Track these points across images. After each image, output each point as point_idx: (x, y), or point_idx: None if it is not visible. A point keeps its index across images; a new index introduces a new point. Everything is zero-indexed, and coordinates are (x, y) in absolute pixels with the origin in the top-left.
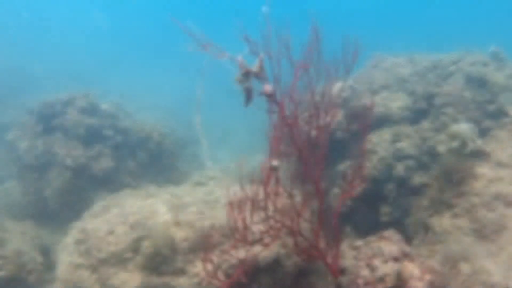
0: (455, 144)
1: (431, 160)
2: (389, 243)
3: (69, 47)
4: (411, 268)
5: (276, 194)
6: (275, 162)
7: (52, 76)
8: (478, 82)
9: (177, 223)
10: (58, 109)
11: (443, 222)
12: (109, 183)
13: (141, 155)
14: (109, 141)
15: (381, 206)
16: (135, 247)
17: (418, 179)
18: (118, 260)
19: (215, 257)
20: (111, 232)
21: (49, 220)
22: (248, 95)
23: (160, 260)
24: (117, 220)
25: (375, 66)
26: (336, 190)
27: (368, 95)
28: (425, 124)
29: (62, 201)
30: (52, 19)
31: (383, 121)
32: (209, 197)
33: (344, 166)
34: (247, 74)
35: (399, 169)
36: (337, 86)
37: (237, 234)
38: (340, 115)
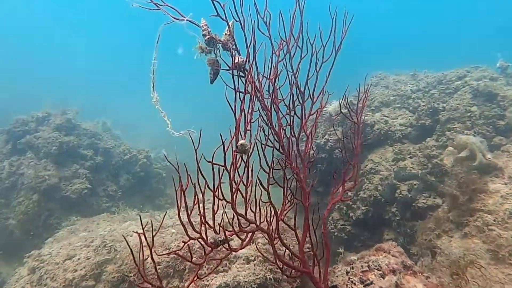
0: (462, 155)
1: (438, 180)
2: (387, 256)
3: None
4: (414, 283)
5: (248, 184)
6: (242, 141)
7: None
8: (486, 97)
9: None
10: (32, 127)
11: (452, 243)
12: (84, 207)
13: (125, 178)
14: (88, 162)
15: (384, 231)
16: (97, 273)
17: (424, 201)
18: None
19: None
20: (70, 257)
21: (15, 250)
22: (214, 69)
23: None
24: (80, 243)
25: (376, 84)
26: (334, 214)
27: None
28: (430, 142)
29: (27, 228)
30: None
31: (385, 139)
32: (195, 219)
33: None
34: (212, 42)
35: (403, 190)
36: (335, 104)
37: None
38: (338, 133)
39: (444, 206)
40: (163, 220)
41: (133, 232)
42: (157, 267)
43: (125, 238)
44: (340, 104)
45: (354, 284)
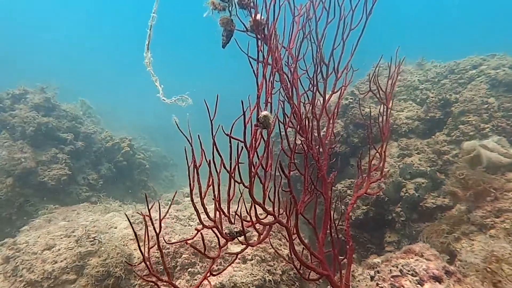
0: (472, 154)
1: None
2: (420, 259)
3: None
4: None
5: (268, 168)
6: (264, 112)
7: None
8: (507, 86)
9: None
10: (7, 104)
11: (475, 247)
12: (63, 195)
13: (106, 167)
14: (67, 146)
15: (386, 232)
16: (79, 265)
17: (432, 200)
18: (55, 283)
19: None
20: (50, 247)
21: None
22: (227, 30)
23: (111, 284)
24: (60, 233)
25: (379, 74)
26: (334, 215)
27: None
28: (441, 136)
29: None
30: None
31: (389, 133)
32: (181, 213)
33: (344, 185)
34: None
35: (410, 189)
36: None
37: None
38: (339, 126)
39: (461, 207)
40: (160, 212)
41: (138, 213)
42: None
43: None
44: (370, 79)
45: None
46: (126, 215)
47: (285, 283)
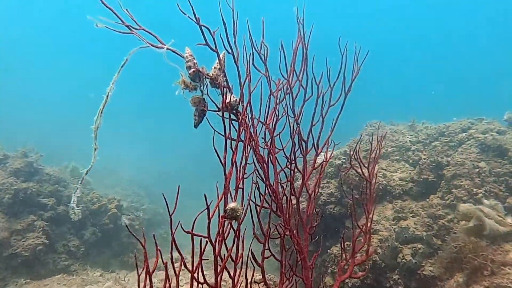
0: (471, 224)
1: (446, 245)
2: None
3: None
4: None
5: (238, 259)
6: (232, 204)
7: None
8: (496, 152)
9: None
10: None
11: None
12: (38, 266)
13: (91, 231)
14: (47, 212)
15: None
16: None
17: (430, 268)
18: None
19: None
20: None
21: None
22: (199, 110)
23: None
24: None
25: (371, 134)
26: (328, 279)
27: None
28: (435, 200)
29: None
30: None
31: (383, 194)
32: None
33: (338, 248)
34: (198, 76)
35: (406, 254)
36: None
37: None
38: (332, 186)
39: (459, 278)
40: None
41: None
42: None
43: None
44: (350, 156)
45: None
46: None
47: None
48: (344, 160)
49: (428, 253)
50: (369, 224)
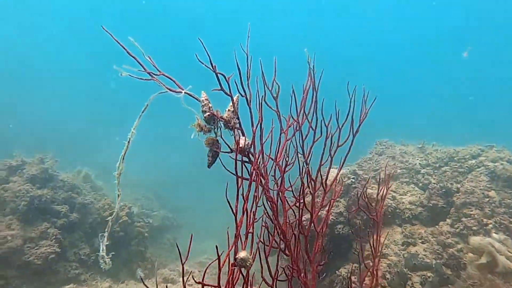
0: (483, 261)
1: (455, 275)
2: None
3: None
4: None
5: None
6: (242, 254)
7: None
8: (506, 182)
9: None
10: (3, 176)
11: None
12: (49, 274)
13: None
14: (60, 220)
15: None
16: None
17: None
18: None
19: None
20: None
21: None
22: (213, 151)
23: None
24: None
25: (381, 153)
26: None
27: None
28: (444, 227)
29: None
30: None
31: (392, 217)
32: None
33: (347, 270)
34: (212, 120)
35: (415, 282)
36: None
37: None
38: (341, 205)
39: None
40: None
41: None
42: None
43: None
44: (358, 198)
45: None
46: None
47: None
48: (353, 180)
49: (438, 282)
50: (378, 249)
